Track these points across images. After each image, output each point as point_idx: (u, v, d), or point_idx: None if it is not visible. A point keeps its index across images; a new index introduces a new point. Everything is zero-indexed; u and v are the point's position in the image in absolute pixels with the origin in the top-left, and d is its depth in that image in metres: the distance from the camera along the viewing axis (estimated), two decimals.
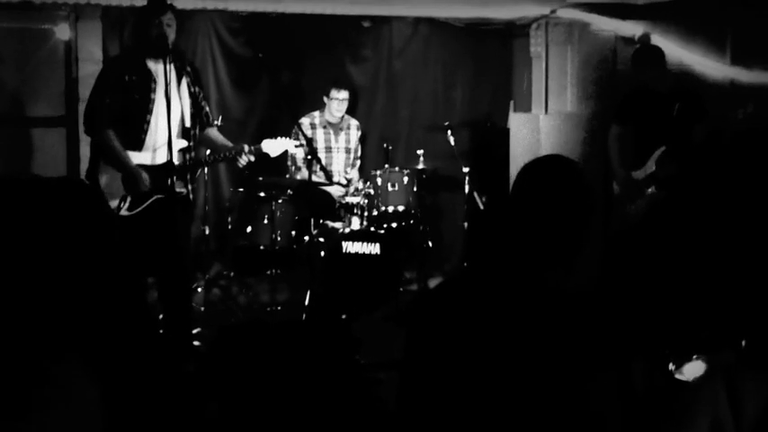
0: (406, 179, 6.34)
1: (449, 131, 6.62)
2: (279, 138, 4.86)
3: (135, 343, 1.66)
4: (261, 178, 6.19)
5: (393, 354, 2.48)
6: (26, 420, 1.42)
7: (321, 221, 6.16)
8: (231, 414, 3.50)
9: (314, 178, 5.74)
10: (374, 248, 5.97)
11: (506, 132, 7.21)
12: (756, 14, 6.24)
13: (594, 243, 2.22)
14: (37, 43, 6.56)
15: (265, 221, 6.08)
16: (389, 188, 6.32)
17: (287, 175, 6.44)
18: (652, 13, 6.74)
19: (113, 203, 4.41)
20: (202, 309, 5.97)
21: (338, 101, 6.56)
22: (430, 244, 6.69)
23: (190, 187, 4.63)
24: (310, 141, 5.48)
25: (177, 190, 4.42)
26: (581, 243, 2.03)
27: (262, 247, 6.11)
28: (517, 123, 7.15)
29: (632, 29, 6.84)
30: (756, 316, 2.93)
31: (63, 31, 6.59)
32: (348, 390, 3.73)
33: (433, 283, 6.43)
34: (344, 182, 6.52)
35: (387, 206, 6.31)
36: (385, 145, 6.71)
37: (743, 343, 2.81)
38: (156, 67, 4.46)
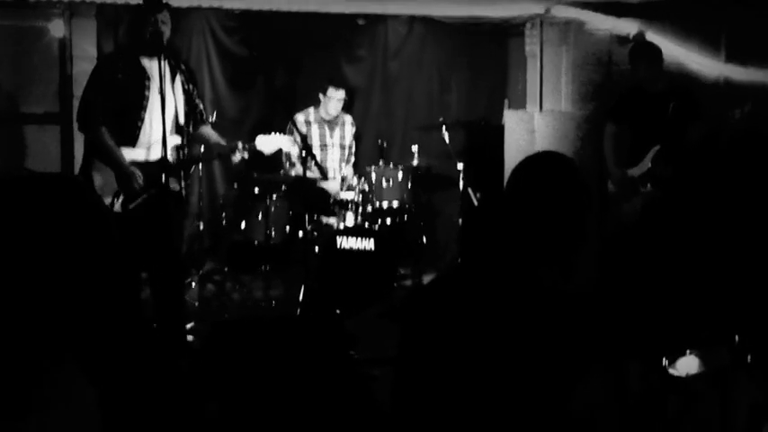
0: (400, 175, 6.34)
1: (444, 128, 6.62)
2: (272, 133, 4.85)
3: (131, 341, 1.67)
4: (255, 174, 6.19)
5: (387, 350, 2.49)
6: (26, 420, 1.42)
7: (315, 217, 6.16)
8: (228, 411, 3.50)
9: (308, 174, 5.74)
10: (369, 244, 5.97)
11: (501, 130, 7.21)
12: (751, 12, 6.27)
13: (591, 243, 2.23)
14: (31, 41, 6.54)
15: (260, 217, 6.08)
16: (384, 184, 6.32)
17: (281, 172, 6.44)
18: (647, 12, 6.75)
19: (107, 200, 4.41)
20: (196, 304, 5.96)
21: (335, 100, 6.55)
22: (424, 240, 6.69)
23: (183, 184, 4.62)
24: (305, 138, 5.48)
25: (171, 186, 4.43)
26: (576, 240, 2.03)
27: (256, 243, 6.11)
28: (512, 121, 7.15)
29: (627, 27, 6.85)
30: (749, 312, 2.95)
31: (57, 29, 6.57)
32: (342, 386, 3.73)
33: (427, 278, 6.43)
34: (339, 178, 6.53)
35: (381, 202, 6.31)
36: (380, 141, 6.71)
37: (736, 339, 2.82)
38: (151, 65, 4.46)
